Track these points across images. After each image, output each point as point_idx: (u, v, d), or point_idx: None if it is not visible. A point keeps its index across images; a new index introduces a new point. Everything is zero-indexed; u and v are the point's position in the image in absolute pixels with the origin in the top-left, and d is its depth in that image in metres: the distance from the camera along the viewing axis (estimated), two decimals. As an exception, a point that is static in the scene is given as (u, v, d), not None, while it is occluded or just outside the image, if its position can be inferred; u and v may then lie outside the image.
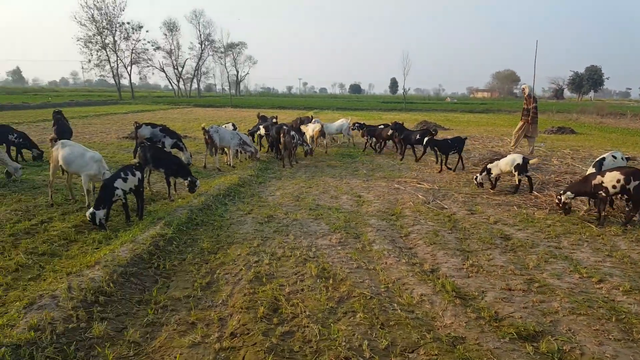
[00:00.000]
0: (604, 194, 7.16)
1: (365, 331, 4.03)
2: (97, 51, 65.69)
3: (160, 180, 10.11)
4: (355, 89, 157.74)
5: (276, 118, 15.32)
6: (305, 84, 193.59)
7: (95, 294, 4.44)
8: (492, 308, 4.46)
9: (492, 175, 9.59)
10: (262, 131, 14.97)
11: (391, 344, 3.84)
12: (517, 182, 9.43)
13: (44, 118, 25.20)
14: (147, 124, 11.90)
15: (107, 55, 66.44)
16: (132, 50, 69.79)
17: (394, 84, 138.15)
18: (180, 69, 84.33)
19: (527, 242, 6.43)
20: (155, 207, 7.94)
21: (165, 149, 10.74)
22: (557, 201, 7.79)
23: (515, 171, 9.25)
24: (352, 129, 16.84)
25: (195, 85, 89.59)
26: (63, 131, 11.91)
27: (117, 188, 6.67)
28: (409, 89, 62.92)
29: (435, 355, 3.66)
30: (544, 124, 28.62)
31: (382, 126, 15.88)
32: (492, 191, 9.61)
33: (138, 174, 7.01)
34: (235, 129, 13.96)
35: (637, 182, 6.86)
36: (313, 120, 17.30)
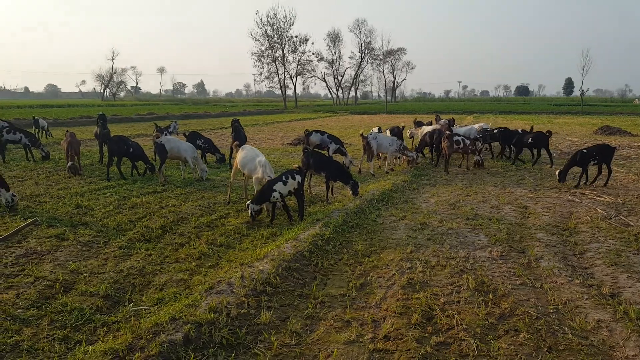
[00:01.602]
0: None
1: (530, 352, 3.69)
2: (268, 64, 73.16)
3: (318, 183, 10.73)
4: (523, 90, 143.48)
5: (431, 122, 15.03)
6: (465, 87, 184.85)
7: (264, 284, 4.91)
8: (695, 348, 3.68)
9: None
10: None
11: (562, 372, 3.44)
12: None
13: (221, 126, 28.85)
14: (316, 131, 12.73)
15: (276, 68, 73.40)
16: (298, 62, 75.76)
17: (568, 85, 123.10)
18: (340, 78, 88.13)
19: None
20: (314, 208, 8.46)
21: (329, 153, 11.42)
22: None
23: None
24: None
25: (352, 93, 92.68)
26: (239, 138, 13.42)
27: (275, 190, 7.28)
28: (587, 90, 55.37)
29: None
30: None
31: (495, 130, 15.04)
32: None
33: (298, 177, 7.54)
34: (382, 132, 14.15)
35: None
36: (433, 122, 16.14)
